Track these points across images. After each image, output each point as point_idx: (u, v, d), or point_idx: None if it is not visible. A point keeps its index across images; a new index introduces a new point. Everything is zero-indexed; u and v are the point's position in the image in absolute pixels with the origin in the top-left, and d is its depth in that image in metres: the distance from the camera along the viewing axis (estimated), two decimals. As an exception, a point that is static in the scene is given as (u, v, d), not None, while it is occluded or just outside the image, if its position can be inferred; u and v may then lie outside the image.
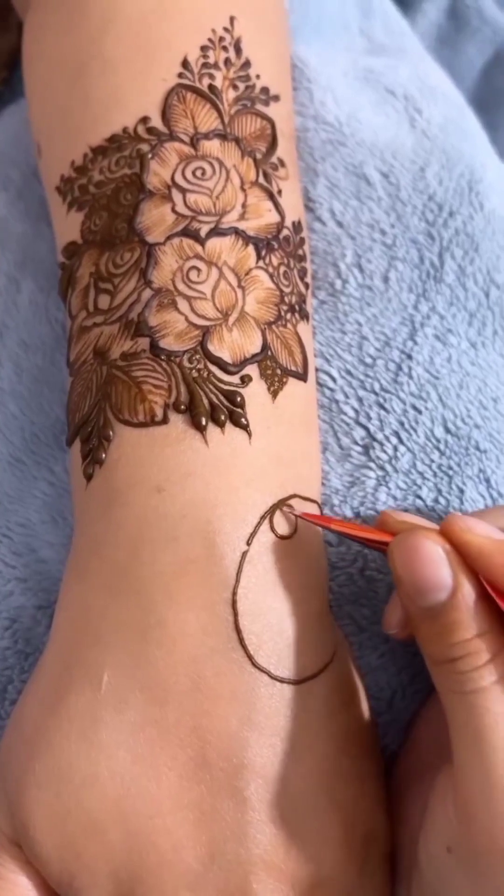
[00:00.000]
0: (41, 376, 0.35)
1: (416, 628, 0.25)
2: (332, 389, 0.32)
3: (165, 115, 0.29)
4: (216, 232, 0.27)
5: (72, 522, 0.31)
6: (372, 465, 0.31)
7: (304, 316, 0.29)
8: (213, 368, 0.26)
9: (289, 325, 0.28)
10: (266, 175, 0.29)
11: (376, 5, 0.46)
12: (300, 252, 0.30)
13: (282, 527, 0.26)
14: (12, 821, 0.25)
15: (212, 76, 0.29)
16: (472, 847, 0.23)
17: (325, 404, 0.31)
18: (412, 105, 0.38)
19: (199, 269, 0.27)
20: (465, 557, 0.24)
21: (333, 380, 0.32)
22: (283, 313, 0.28)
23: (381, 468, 0.31)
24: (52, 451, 0.34)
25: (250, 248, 0.28)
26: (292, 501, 0.26)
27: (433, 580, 0.23)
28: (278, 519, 0.26)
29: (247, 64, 0.30)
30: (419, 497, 0.31)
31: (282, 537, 0.26)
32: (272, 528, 0.26)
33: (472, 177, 0.36)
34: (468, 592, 0.23)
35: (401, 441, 0.31)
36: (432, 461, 0.31)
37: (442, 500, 0.31)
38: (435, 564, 0.23)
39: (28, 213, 0.37)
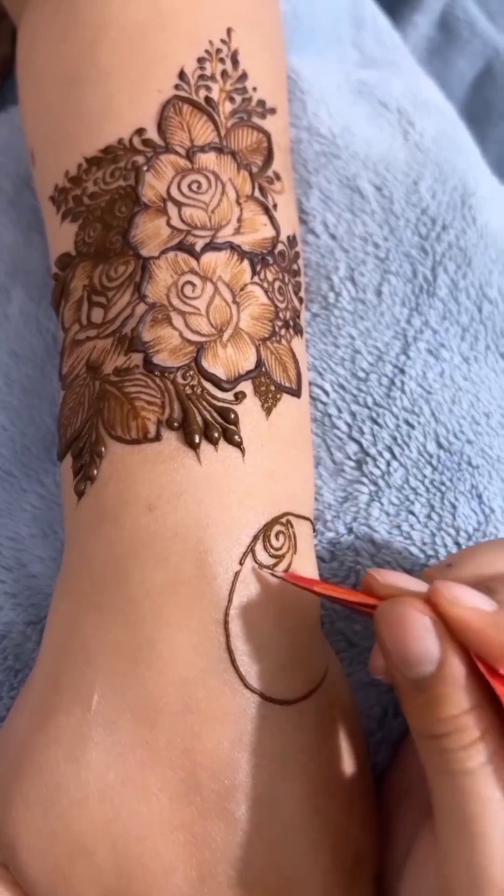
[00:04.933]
0: (32, 387, 0.34)
1: (401, 697, 0.24)
2: (324, 403, 0.31)
3: (161, 127, 0.28)
4: (211, 246, 0.27)
5: (62, 536, 0.31)
6: (365, 479, 0.31)
7: (298, 331, 0.29)
8: (207, 385, 0.26)
9: (283, 341, 0.28)
10: (262, 189, 0.29)
11: (369, 18, 0.46)
12: (295, 266, 0.30)
13: (274, 545, 0.26)
14: (-1, 841, 0.25)
15: (208, 88, 0.29)
16: None
17: (318, 418, 0.31)
18: (405, 118, 0.38)
19: (193, 285, 0.27)
20: (453, 631, 0.22)
21: (326, 394, 0.32)
22: (277, 329, 0.28)
23: (375, 483, 0.31)
24: (42, 463, 0.33)
25: (245, 263, 0.28)
26: (284, 520, 0.26)
27: (420, 653, 0.22)
28: (270, 538, 0.26)
29: (243, 76, 0.30)
30: (412, 513, 0.30)
31: (274, 556, 0.26)
32: (265, 548, 0.25)
33: (464, 190, 0.36)
34: (456, 666, 0.22)
35: (394, 456, 0.31)
36: (425, 476, 0.31)
37: (434, 517, 0.30)
38: (421, 637, 0.22)
39: (19, 223, 0.37)
